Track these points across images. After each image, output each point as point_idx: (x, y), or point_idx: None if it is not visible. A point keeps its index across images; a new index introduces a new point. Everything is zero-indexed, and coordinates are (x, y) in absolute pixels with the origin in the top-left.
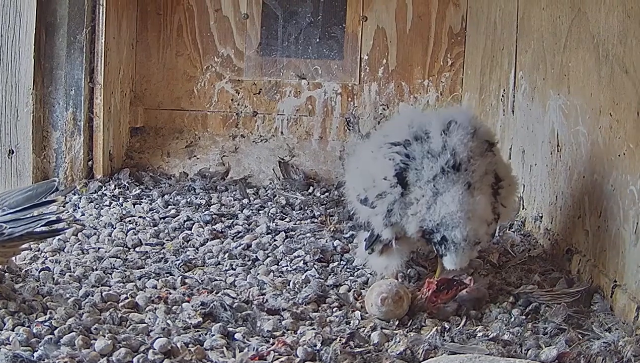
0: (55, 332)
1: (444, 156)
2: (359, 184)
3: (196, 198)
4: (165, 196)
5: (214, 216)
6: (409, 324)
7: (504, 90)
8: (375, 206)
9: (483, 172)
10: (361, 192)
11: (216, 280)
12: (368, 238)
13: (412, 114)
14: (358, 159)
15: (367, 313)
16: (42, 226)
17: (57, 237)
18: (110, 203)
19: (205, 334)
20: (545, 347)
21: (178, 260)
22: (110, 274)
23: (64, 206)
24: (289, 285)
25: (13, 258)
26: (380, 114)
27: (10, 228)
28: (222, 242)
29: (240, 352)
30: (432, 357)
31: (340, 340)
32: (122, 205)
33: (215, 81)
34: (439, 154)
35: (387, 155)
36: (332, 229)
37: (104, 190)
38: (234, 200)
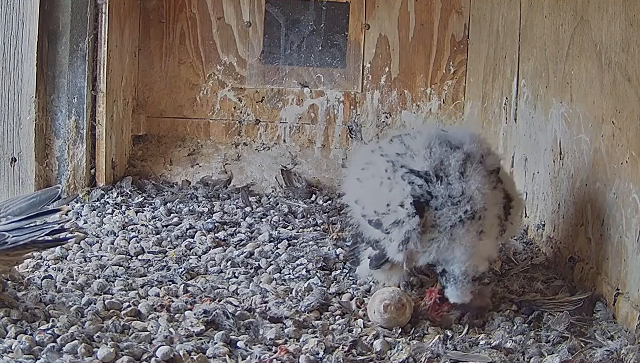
0: (58, 340)
1: (463, 206)
2: (367, 204)
3: (199, 206)
4: (168, 204)
5: (216, 224)
6: (411, 332)
7: (507, 98)
8: (390, 232)
9: (495, 215)
10: (371, 214)
11: (219, 288)
12: (376, 258)
13: (423, 132)
14: (360, 171)
15: (369, 321)
16: (46, 235)
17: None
18: (113, 211)
19: (208, 342)
20: (548, 355)
21: (180, 268)
22: (113, 282)
23: (66, 215)
24: (291, 293)
25: (16, 266)
26: (383, 122)
27: (14, 236)
28: (225, 250)
29: (242, 360)
30: None
31: (342, 348)
32: (124, 213)
33: (217, 89)
34: (458, 202)
35: (405, 178)
36: (334, 237)
37: (107, 198)
38: (237, 208)
